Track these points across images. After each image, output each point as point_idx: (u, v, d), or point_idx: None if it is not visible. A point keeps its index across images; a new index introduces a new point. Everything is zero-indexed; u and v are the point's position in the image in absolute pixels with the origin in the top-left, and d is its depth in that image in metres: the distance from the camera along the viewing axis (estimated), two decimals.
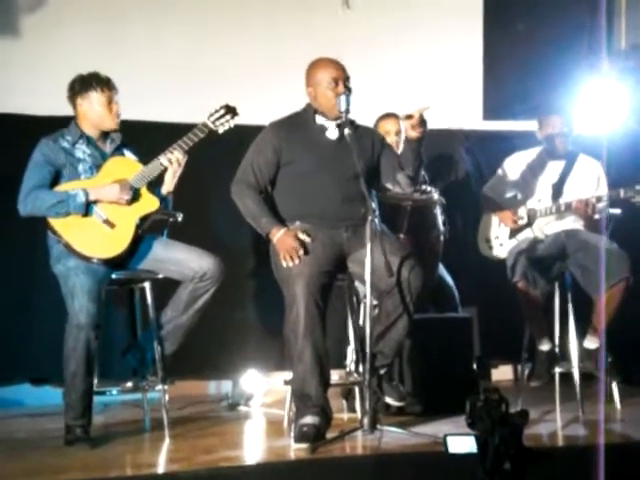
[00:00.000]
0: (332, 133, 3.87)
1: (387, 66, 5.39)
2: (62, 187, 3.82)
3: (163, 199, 3.93)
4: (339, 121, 3.82)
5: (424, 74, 5.45)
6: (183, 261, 3.88)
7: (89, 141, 3.90)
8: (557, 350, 4.44)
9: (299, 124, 3.89)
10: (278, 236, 3.75)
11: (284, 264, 3.71)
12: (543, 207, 4.48)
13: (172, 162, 3.83)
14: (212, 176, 4.75)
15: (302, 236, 3.75)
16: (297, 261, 3.69)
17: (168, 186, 3.91)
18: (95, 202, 3.80)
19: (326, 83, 3.81)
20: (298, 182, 3.83)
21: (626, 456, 3.31)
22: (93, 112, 3.87)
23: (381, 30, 5.38)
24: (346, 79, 3.83)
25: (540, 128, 4.58)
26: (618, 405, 4.30)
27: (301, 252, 3.70)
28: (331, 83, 3.80)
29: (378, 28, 5.36)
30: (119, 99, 3.89)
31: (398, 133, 4.68)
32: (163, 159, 3.84)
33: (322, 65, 3.85)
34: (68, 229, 3.78)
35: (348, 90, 3.80)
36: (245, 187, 3.87)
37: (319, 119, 3.88)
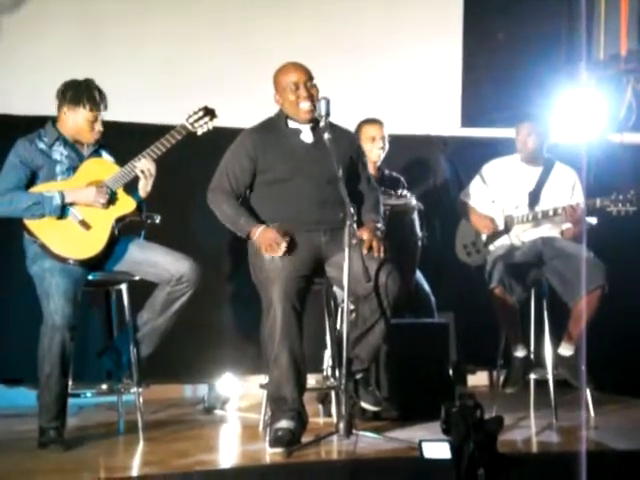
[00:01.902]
0: (307, 136, 3.86)
1: (366, 72, 5.40)
2: (38, 188, 3.80)
3: (141, 201, 3.92)
4: (312, 124, 3.82)
5: (403, 80, 5.47)
6: (160, 263, 3.86)
7: (66, 142, 3.88)
8: (532, 357, 4.47)
9: (273, 129, 3.89)
10: (259, 232, 3.74)
11: (267, 256, 3.69)
12: (520, 214, 4.51)
13: (143, 170, 3.82)
14: (190, 179, 4.73)
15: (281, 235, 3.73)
16: (280, 252, 3.68)
17: (141, 193, 3.89)
18: (71, 204, 3.78)
19: (288, 88, 3.82)
20: (275, 187, 3.83)
21: (599, 463, 3.33)
22: (75, 124, 3.86)
23: (361, 36, 5.39)
24: (308, 81, 3.81)
25: (517, 134, 4.60)
26: (592, 412, 4.33)
27: (282, 243, 3.68)
28: (291, 87, 3.81)
29: (358, 34, 5.38)
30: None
31: (383, 139, 4.69)
32: (134, 166, 3.82)
33: (283, 71, 3.86)
34: (44, 230, 3.76)
35: (309, 93, 3.77)
36: (220, 193, 3.86)
37: (292, 123, 3.88)
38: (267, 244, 3.70)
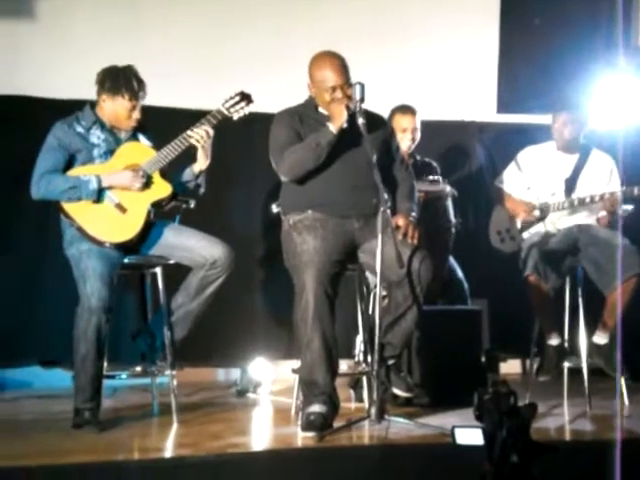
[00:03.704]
0: None
1: (402, 57, 5.38)
2: (75, 171, 3.83)
3: (183, 184, 3.93)
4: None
5: (439, 66, 5.45)
6: (194, 248, 3.88)
7: (103, 126, 3.90)
8: (566, 345, 4.44)
9: (307, 114, 3.88)
10: (333, 125, 3.67)
11: (298, 239, 3.68)
12: (556, 201, 4.47)
13: (199, 139, 3.81)
14: (224, 164, 4.73)
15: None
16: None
17: (201, 164, 3.89)
18: (108, 187, 3.81)
19: (324, 87, 3.78)
20: (309, 172, 3.82)
21: (632, 452, 3.30)
22: (113, 112, 3.88)
23: (397, 21, 5.36)
24: (345, 83, 3.76)
25: (553, 123, 4.56)
26: (626, 401, 4.29)
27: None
28: (328, 88, 3.77)
29: (394, 18, 5.35)
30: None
31: (414, 131, 4.66)
32: (187, 137, 3.81)
33: (320, 66, 3.80)
34: (81, 213, 3.79)
35: (345, 99, 3.74)
36: (287, 152, 3.79)
37: (323, 110, 3.86)
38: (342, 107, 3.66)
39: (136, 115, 3.88)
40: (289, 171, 3.81)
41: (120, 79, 3.84)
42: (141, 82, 3.86)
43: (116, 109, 3.87)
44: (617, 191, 4.32)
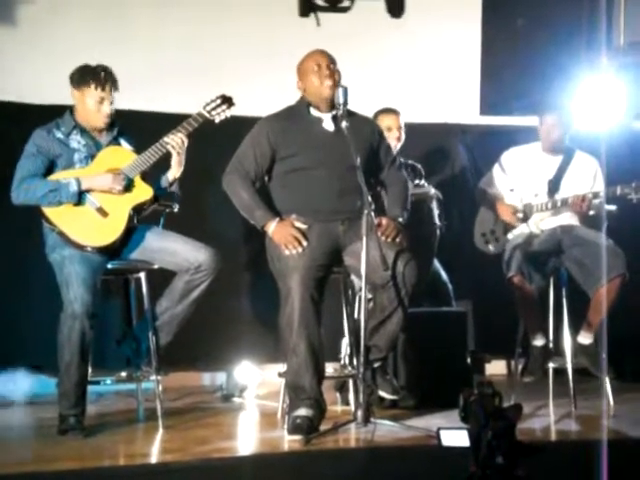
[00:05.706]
0: (328, 125, 3.86)
1: (384, 59, 5.39)
2: (55, 176, 3.81)
3: (163, 189, 3.92)
4: (334, 112, 3.81)
5: (421, 68, 5.46)
6: (179, 252, 3.87)
7: (83, 131, 3.88)
8: (551, 345, 4.45)
9: (294, 117, 3.88)
10: (273, 228, 3.75)
11: (286, 252, 3.70)
12: (539, 202, 4.48)
13: (174, 146, 3.82)
14: (208, 167, 4.73)
15: (298, 224, 3.75)
16: (300, 249, 3.68)
17: (174, 172, 3.90)
18: (88, 191, 3.79)
19: (310, 70, 3.82)
20: (294, 176, 3.82)
21: (618, 452, 3.32)
22: (83, 107, 3.86)
23: (378, 22, 5.37)
24: (331, 64, 3.80)
25: (541, 124, 4.57)
26: (611, 401, 4.31)
27: (301, 238, 3.69)
28: (314, 68, 3.80)
29: (375, 20, 5.36)
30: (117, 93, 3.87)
31: (399, 129, 4.68)
32: (163, 144, 3.82)
33: (307, 56, 3.87)
34: (62, 218, 3.77)
35: (331, 75, 3.77)
36: (237, 178, 3.86)
37: (314, 111, 3.87)
38: (285, 241, 3.70)
39: (105, 109, 3.84)
40: (226, 187, 3.88)
41: (87, 72, 3.83)
42: (110, 75, 3.82)
43: (85, 103, 3.83)
44: (586, 193, 4.35)
